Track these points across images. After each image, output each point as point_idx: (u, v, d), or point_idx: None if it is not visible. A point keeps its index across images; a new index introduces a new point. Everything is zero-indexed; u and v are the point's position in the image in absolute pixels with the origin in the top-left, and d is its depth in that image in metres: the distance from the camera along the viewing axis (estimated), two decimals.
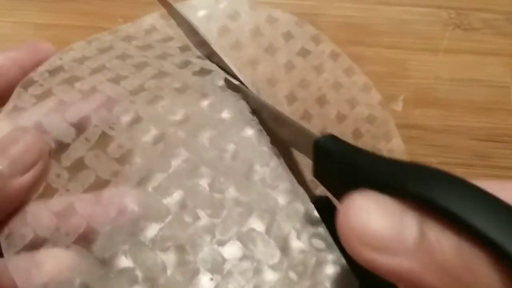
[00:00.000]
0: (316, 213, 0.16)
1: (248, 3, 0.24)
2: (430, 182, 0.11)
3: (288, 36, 0.24)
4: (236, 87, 0.19)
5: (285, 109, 0.21)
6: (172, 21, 0.22)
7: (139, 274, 0.14)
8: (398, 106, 0.28)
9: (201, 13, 0.23)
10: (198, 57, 0.21)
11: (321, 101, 0.23)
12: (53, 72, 0.17)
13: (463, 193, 0.11)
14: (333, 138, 0.15)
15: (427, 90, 0.29)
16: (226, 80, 0.19)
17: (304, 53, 0.24)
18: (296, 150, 0.17)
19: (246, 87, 0.19)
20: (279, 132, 0.18)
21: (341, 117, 0.23)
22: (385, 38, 0.31)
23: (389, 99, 0.29)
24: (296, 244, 0.15)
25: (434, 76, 0.29)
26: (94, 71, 0.18)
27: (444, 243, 0.11)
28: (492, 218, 0.10)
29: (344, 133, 0.22)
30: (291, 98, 0.22)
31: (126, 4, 0.32)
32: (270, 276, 0.14)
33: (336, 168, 0.15)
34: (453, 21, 0.32)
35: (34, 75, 0.17)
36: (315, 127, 0.16)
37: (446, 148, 0.27)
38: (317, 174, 0.16)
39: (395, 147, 0.23)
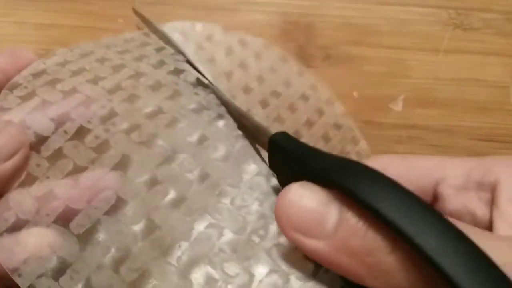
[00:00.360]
0: (277, 184, 0.18)
1: (221, 28, 0.27)
2: (353, 175, 0.13)
3: (258, 56, 0.26)
4: (205, 85, 0.21)
5: (260, 112, 0.24)
6: (152, 36, 0.24)
7: (112, 245, 0.15)
8: (398, 106, 0.28)
9: (178, 35, 0.25)
10: (172, 54, 0.22)
11: (292, 108, 0.25)
12: (36, 75, 0.19)
13: (378, 185, 0.13)
14: (284, 135, 0.17)
15: (427, 90, 0.29)
16: (197, 79, 0.21)
17: (273, 70, 0.26)
18: (257, 144, 0.19)
19: (215, 87, 0.21)
20: (243, 126, 0.20)
21: (310, 123, 0.25)
22: (385, 38, 0.31)
23: (389, 99, 0.29)
24: (258, 212, 0.17)
25: (434, 76, 0.29)
26: (75, 73, 0.19)
27: (355, 232, 0.13)
28: (397, 205, 0.12)
29: (315, 135, 0.25)
30: (265, 104, 0.25)
31: (127, 4, 0.33)
32: (233, 239, 0.16)
33: (285, 161, 0.17)
34: (453, 21, 0.32)
35: (19, 78, 0.18)
36: (288, 130, 0.18)
37: (446, 148, 0.27)
38: (271, 166, 0.18)
39: (361, 150, 0.26)
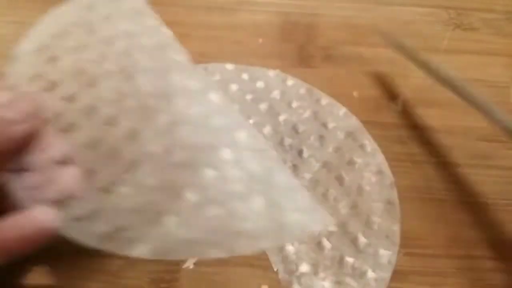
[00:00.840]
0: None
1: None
2: None
3: None
4: None
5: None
6: None
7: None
8: (398, 106, 0.28)
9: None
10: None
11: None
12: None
13: None
14: None
15: (427, 90, 0.29)
16: None
17: None
18: None
19: None
20: None
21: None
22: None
23: (389, 99, 0.29)
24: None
25: None
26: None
27: None
28: None
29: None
30: None
31: None
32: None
33: None
34: (454, 21, 0.32)
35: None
36: None
37: (446, 148, 0.27)
38: None
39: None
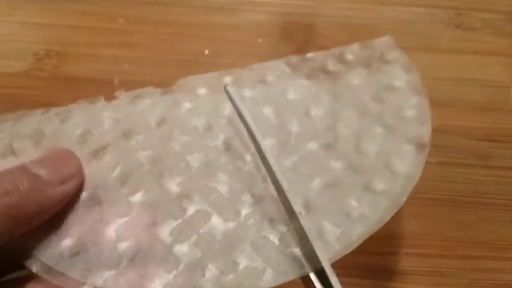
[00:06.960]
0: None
1: None
2: None
3: None
4: None
5: None
6: None
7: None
8: None
9: None
10: None
11: None
12: None
13: None
14: None
15: (426, 90, 0.29)
16: None
17: None
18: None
19: None
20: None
21: None
22: None
23: None
24: None
25: (433, 76, 0.29)
26: None
27: None
28: None
29: None
30: None
31: (127, 4, 0.33)
32: None
33: None
34: (453, 21, 0.32)
35: None
36: None
37: (446, 148, 0.27)
38: None
39: None
